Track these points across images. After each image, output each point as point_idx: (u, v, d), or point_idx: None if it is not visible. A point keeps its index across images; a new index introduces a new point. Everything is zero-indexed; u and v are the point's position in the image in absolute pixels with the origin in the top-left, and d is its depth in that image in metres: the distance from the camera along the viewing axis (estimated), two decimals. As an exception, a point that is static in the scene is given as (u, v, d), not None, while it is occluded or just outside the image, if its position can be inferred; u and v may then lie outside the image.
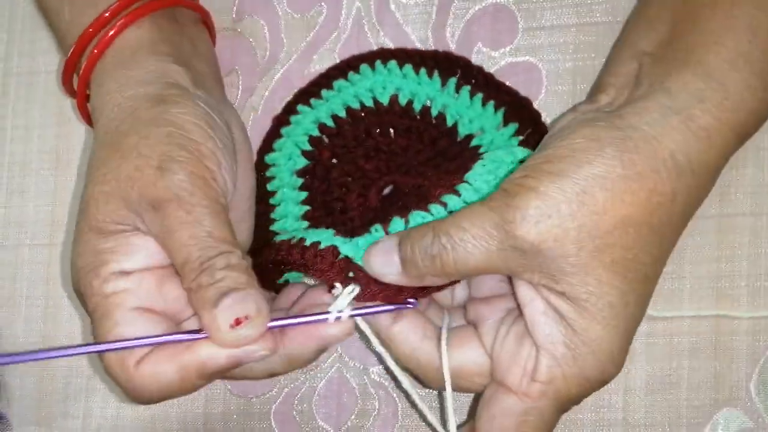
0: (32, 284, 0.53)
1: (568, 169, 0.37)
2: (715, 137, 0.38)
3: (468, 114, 0.48)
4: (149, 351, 0.39)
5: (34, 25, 0.55)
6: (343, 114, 0.49)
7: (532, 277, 0.38)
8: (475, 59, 0.49)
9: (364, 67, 0.50)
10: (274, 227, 0.48)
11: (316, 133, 0.49)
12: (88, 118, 0.46)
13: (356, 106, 0.49)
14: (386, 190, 0.47)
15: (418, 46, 0.50)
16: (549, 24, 0.49)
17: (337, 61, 0.51)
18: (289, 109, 0.50)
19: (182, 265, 0.39)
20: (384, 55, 0.50)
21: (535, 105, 0.49)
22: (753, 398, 0.46)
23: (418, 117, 0.48)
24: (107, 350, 0.39)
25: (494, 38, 0.49)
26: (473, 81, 0.48)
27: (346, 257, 0.41)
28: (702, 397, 0.46)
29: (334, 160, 0.48)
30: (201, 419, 0.51)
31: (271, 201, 0.49)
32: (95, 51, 0.44)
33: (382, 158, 0.47)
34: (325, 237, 0.42)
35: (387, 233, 0.42)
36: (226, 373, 0.40)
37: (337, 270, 0.41)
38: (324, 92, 0.50)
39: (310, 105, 0.50)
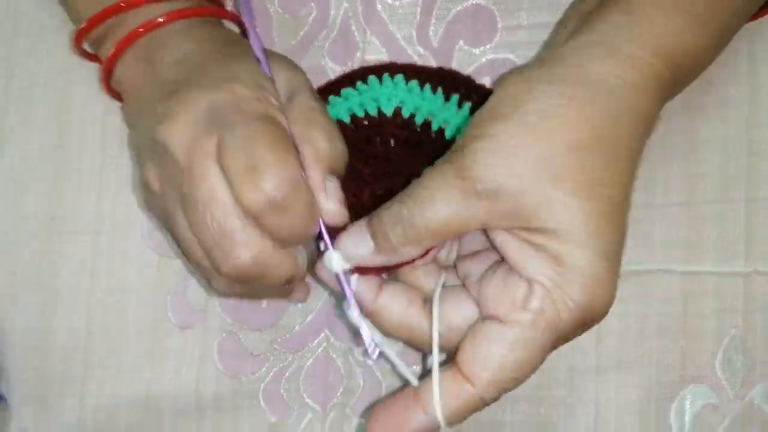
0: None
1: (508, 111, 0.39)
2: (644, 67, 0.39)
3: None
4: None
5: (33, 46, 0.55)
6: (347, 120, 0.50)
7: (502, 223, 0.39)
8: (457, 56, 0.52)
9: (372, 78, 0.51)
10: None
11: None
12: (114, 92, 0.47)
13: (361, 114, 0.51)
14: (379, 192, 0.48)
15: (403, 44, 0.52)
16: (527, 23, 0.51)
17: (326, 59, 0.53)
18: None
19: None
20: (392, 69, 0.51)
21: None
22: (718, 375, 0.48)
23: (419, 130, 0.50)
24: None
25: (475, 36, 0.52)
26: (475, 98, 0.50)
27: None
28: (670, 375, 0.48)
29: None
30: (193, 398, 0.52)
31: None
32: (140, 29, 0.43)
33: (380, 165, 0.48)
34: None
35: None
36: None
37: None
38: (331, 98, 0.51)
39: None
